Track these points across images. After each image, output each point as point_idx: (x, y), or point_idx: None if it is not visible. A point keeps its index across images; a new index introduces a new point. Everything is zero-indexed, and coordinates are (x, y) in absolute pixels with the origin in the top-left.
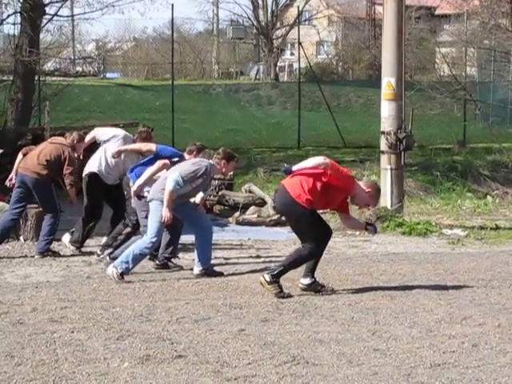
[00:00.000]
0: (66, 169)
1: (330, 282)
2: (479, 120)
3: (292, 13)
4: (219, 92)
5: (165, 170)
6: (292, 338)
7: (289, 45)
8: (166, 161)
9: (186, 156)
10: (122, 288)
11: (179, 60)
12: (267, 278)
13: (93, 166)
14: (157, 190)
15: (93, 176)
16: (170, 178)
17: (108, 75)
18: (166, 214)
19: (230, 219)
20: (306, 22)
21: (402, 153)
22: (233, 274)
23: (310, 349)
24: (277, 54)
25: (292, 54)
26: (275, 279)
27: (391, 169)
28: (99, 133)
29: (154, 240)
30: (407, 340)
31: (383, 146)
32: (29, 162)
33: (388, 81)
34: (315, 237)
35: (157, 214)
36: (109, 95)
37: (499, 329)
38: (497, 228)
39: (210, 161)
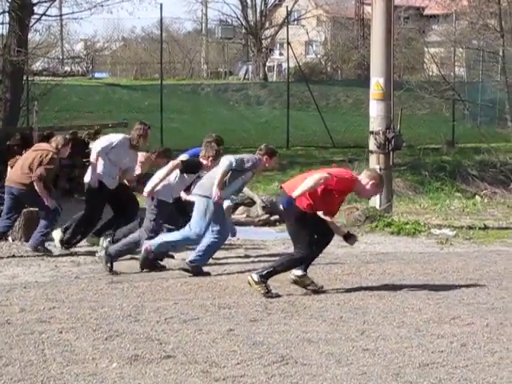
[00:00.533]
0: (43, 166)
1: (319, 281)
2: (468, 120)
3: (281, 13)
4: (208, 92)
5: (177, 171)
6: (281, 337)
7: (278, 45)
8: (178, 161)
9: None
10: (110, 288)
11: (168, 60)
12: (255, 277)
13: (95, 174)
14: (206, 186)
15: (97, 185)
16: (223, 161)
17: (97, 75)
18: (216, 193)
19: None
20: (295, 22)
21: (391, 153)
22: (222, 274)
23: (299, 348)
24: (266, 53)
25: (281, 53)
26: (263, 279)
27: (380, 168)
28: (95, 145)
29: (197, 234)
30: (396, 340)
31: (372, 145)
32: (13, 174)
33: (377, 81)
34: (309, 243)
35: (201, 209)
36: (97, 95)
37: (487, 328)
38: (485, 228)
39: (256, 156)
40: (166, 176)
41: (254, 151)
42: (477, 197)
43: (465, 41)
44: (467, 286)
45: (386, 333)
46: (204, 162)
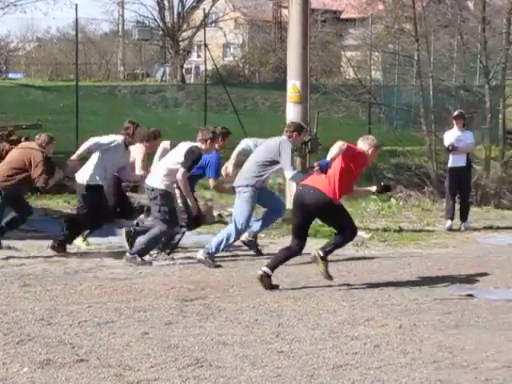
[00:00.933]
0: (34, 172)
1: (234, 284)
2: (384, 123)
3: (198, 15)
4: (125, 93)
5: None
6: (196, 340)
7: (195, 47)
8: (184, 170)
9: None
10: (22, 291)
11: (84, 61)
12: (321, 253)
13: (91, 175)
14: (247, 176)
15: (97, 187)
16: (286, 163)
17: (10, 75)
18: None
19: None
20: (213, 24)
21: (308, 156)
22: (137, 277)
23: (214, 351)
24: (183, 55)
25: (199, 56)
26: (325, 256)
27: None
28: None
29: (240, 228)
30: (310, 342)
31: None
32: None
33: (293, 83)
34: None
35: (246, 200)
36: (11, 96)
37: (400, 330)
38: (400, 230)
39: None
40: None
41: None
42: (392, 199)
43: (381, 45)
44: (381, 287)
45: (300, 335)
46: (203, 146)
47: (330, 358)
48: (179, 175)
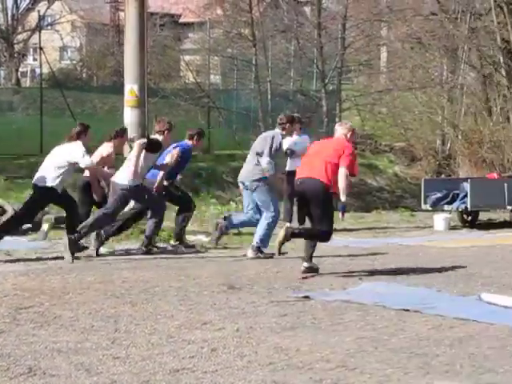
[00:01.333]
0: None
1: (70, 291)
2: (223, 127)
3: (34, 17)
4: None
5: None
6: (29, 348)
7: (31, 50)
8: (142, 141)
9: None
10: None
11: None
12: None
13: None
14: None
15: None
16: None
17: None
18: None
19: None
20: (49, 27)
21: None
22: None
23: (48, 359)
24: (18, 58)
25: (35, 59)
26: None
27: None
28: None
29: (273, 214)
30: (147, 347)
31: (126, 152)
32: None
33: (131, 87)
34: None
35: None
36: None
37: (237, 333)
38: (239, 233)
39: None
40: (138, 161)
41: (7, 158)
42: (232, 203)
43: (219, 49)
44: (219, 291)
45: (137, 340)
46: (160, 137)
47: (166, 362)
48: None
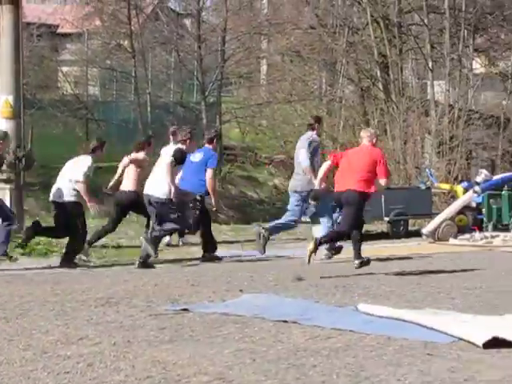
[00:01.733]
0: None
1: None
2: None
3: None
4: None
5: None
6: None
7: None
8: (171, 160)
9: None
10: None
11: None
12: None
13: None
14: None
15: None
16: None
17: None
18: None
19: None
20: None
21: (22, 172)
22: None
23: None
24: None
25: None
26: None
27: (10, 188)
28: None
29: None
30: (21, 363)
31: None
32: None
33: (6, 98)
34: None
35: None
36: None
37: (114, 347)
38: (118, 246)
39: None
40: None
41: None
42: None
43: (98, 60)
44: (96, 305)
45: (11, 356)
46: (184, 146)
47: (40, 378)
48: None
